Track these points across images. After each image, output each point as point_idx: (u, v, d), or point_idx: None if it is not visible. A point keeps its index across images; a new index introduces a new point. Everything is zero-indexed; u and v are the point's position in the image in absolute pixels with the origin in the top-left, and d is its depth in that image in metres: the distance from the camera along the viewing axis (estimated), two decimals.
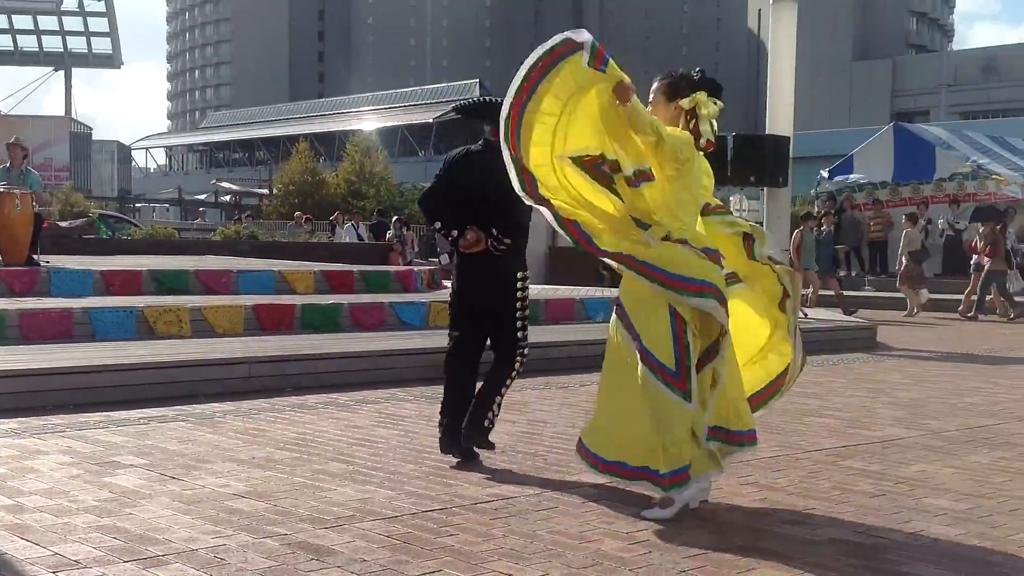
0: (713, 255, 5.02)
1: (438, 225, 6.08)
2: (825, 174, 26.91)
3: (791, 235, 16.91)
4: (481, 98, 6.34)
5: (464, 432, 6.08)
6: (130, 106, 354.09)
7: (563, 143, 5.00)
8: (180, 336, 10.40)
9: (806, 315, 15.46)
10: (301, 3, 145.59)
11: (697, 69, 5.25)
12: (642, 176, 4.94)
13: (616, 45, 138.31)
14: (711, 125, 5.15)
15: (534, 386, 9.06)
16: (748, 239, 5.27)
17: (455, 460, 6.07)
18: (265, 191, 58.40)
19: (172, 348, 9.48)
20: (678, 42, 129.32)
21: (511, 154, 4.96)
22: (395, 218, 28.93)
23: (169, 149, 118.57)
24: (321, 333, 11.16)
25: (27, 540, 4.38)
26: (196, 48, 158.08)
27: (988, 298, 20.31)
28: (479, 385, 6.19)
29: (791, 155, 15.46)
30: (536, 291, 6.39)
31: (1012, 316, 19.90)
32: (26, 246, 12.90)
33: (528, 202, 5.04)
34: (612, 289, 11.68)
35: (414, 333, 11.53)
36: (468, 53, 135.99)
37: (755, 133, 20.37)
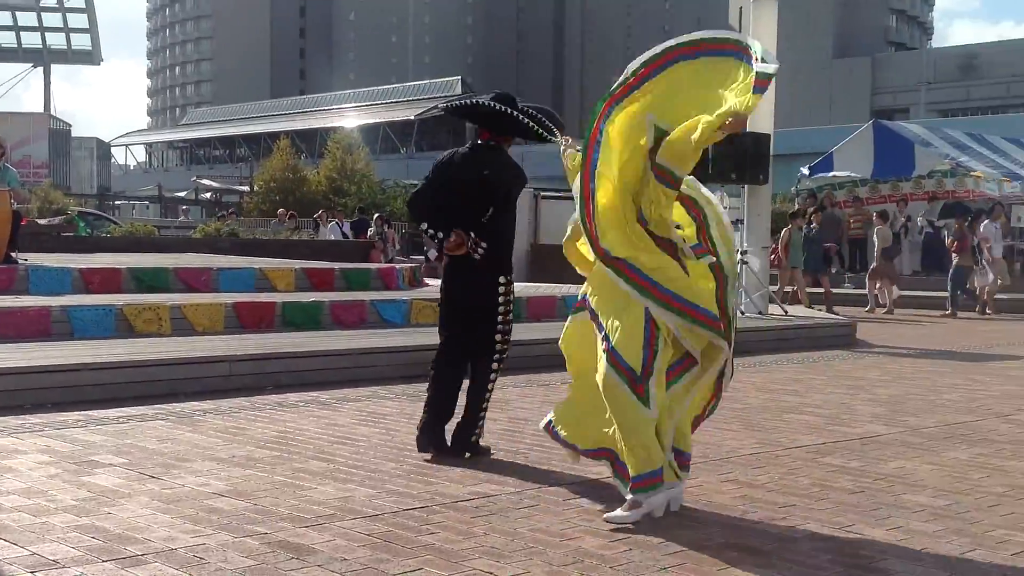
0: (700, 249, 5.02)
1: (424, 227, 6.12)
2: (806, 171, 26.96)
3: (771, 232, 16.93)
4: (468, 100, 6.34)
5: (452, 445, 6.15)
6: (110, 103, 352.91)
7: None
8: (160, 334, 10.36)
9: (786, 312, 15.51)
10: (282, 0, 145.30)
11: None
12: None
13: (597, 42, 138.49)
14: None
15: (515, 384, 9.05)
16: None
17: (437, 460, 6.07)
18: (246, 188, 58.20)
19: (152, 346, 9.44)
20: (659, 39, 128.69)
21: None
22: (376, 215, 28.87)
23: (149, 146, 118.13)
24: (302, 331, 11.13)
25: (5, 540, 4.36)
26: (176, 45, 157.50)
27: (961, 295, 20.45)
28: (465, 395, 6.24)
29: (771, 152, 15.49)
30: (518, 288, 6.38)
31: (954, 313, 20.05)
32: (4, 244, 12.82)
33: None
34: None
35: (395, 331, 11.51)
36: (450, 50, 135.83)
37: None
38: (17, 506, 4.91)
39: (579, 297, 5.25)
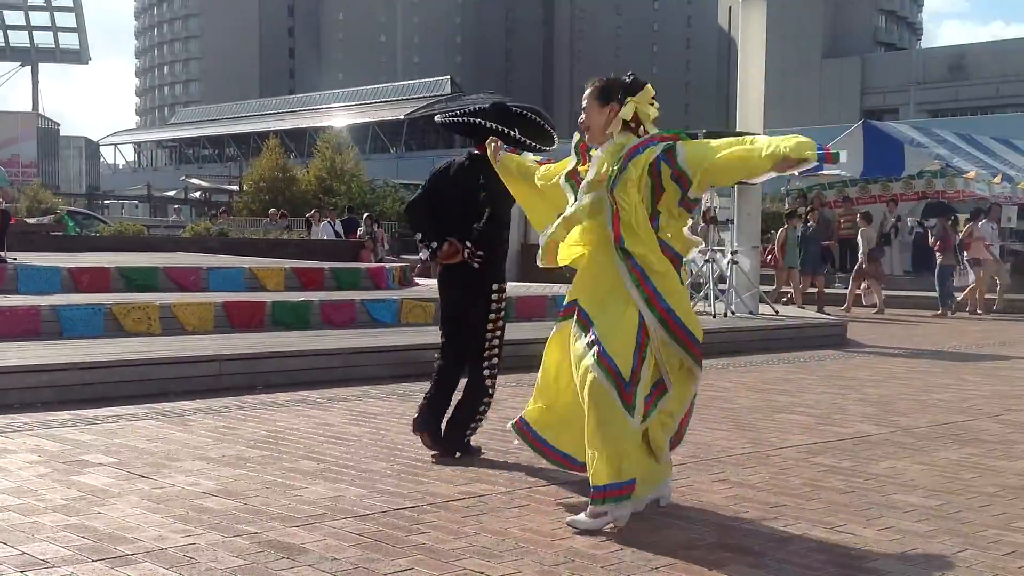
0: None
1: (419, 236, 6.16)
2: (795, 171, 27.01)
3: (762, 232, 16.95)
4: (465, 112, 6.30)
5: (443, 443, 6.16)
6: (98, 102, 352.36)
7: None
8: (149, 334, 10.34)
9: (777, 312, 15.52)
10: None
11: (629, 73, 5.15)
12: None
13: (587, 42, 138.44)
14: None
15: (506, 383, 9.03)
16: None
17: (428, 458, 6.08)
18: (235, 188, 58.14)
19: (141, 346, 9.41)
20: (649, 39, 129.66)
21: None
22: (366, 215, 28.84)
23: (138, 145, 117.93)
24: (292, 330, 11.12)
25: None
26: (165, 44, 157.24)
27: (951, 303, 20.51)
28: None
29: None
30: (508, 288, 6.38)
31: (946, 313, 20.09)
32: None
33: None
34: None
35: (385, 330, 11.50)
36: (439, 50, 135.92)
37: (726, 130, 20.41)
38: (7, 505, 4.89)
39: (564, 304, 5.15)
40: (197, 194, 64.57)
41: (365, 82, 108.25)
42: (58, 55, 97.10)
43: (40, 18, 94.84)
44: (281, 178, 49.25)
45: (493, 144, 5.74)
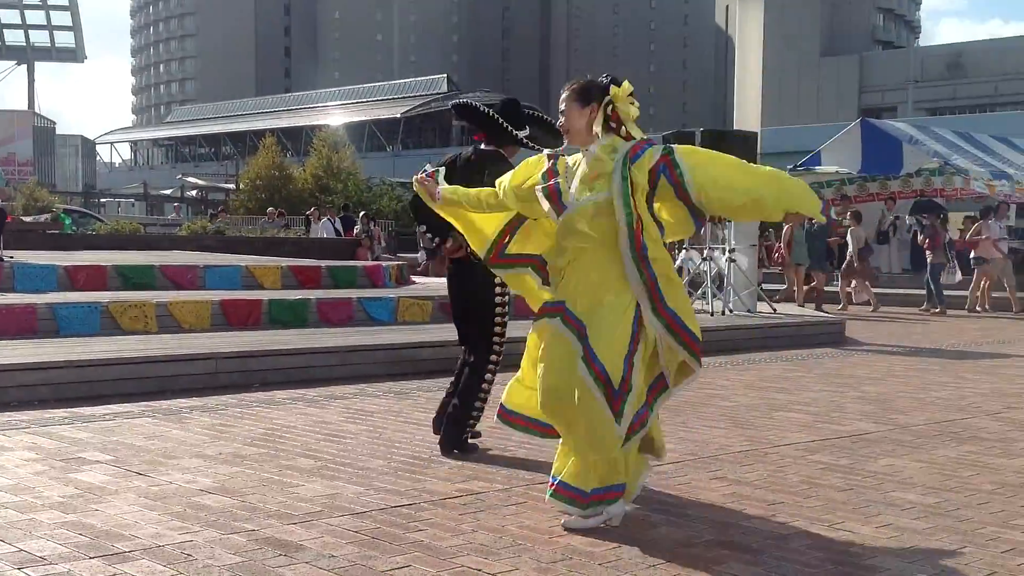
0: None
1: (423, 229, 6.15)
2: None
3: (760, 232, 16.95)
4: (483, 105, 6.28)
5: (442, 440, 6.19)
6: (94, 101, 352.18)
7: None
8: (146, 332, 10.33)
9: (775, 309, 15.52)
10: None
11: (605, 75, 5.12)
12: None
13: (584, 41, 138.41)
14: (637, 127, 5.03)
15: (503, 380, 9.00)
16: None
17: (425, 455, 6.08)
18: (232, 186, 58.16)
19: (138, 344, 9.40)
20: (646, 38, 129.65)
21: None
22: (362, 213, 28.86)
23: (134, 144, 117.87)
24: (289, 329, 11.11)
25: None
26: (161, 42, 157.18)
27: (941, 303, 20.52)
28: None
29: (759, 151, 15.50)
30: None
31: (929, 309, 20.09)
32: None
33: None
34: None
35: (382, 328, 11.49)
36: (435, 48, 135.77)
37: (723, 128, 20.42)
38: (3, 503, 4.88)
39: (548, 303, 5.02)
40: (193, 192, 64.57)
41: (361, 81, 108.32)
42: (54, 53, 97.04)
43: (36, 16, 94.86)
44: (277, 176, 49.33)
45: (425, 184, 5.52)
